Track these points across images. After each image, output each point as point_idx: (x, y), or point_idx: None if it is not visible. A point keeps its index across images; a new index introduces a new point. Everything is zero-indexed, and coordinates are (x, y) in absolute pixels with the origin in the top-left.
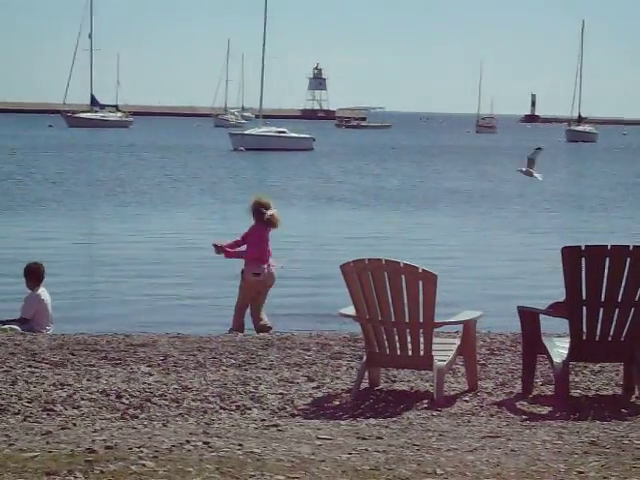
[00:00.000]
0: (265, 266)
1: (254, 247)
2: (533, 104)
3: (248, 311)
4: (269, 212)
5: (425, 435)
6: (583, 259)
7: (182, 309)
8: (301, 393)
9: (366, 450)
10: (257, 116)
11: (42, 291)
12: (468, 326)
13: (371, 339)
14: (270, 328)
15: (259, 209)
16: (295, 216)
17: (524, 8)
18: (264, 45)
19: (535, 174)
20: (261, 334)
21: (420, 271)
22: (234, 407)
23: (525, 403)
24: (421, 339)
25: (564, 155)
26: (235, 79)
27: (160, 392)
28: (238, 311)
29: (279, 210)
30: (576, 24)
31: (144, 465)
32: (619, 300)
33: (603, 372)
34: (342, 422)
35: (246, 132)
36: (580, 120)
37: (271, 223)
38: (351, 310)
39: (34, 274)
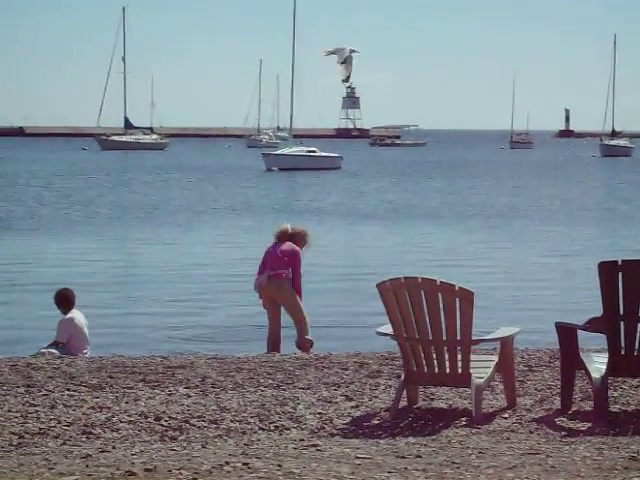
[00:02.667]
0: (258, 276)
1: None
2: (567, 119)
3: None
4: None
5: (464, 453)
6: (620, 274)
7: (219, 330)
8: (340, 412)
9: (405, 469)
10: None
11: (75, 314)
12: (506, 343)
13: (409, 357)
14: (308, 347)
15: (283, 231)
16: (328, 234)
17: (556, 23)
18: (293, 65)
19: None
20: (298, 353)
21: (457, 289)
22: (273, 427)
23: (564, 419)
24: (459, 356)
25: (597, 169)
26: (269, 99)
27: (199, 413)
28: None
29: (310, 228)
30: (608, 38)
31: None
32: None
33: None
34: (381, 441)
35: (278, 152)
36: (614, 134)
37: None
38: (388, 328)
39: (64, 299)
